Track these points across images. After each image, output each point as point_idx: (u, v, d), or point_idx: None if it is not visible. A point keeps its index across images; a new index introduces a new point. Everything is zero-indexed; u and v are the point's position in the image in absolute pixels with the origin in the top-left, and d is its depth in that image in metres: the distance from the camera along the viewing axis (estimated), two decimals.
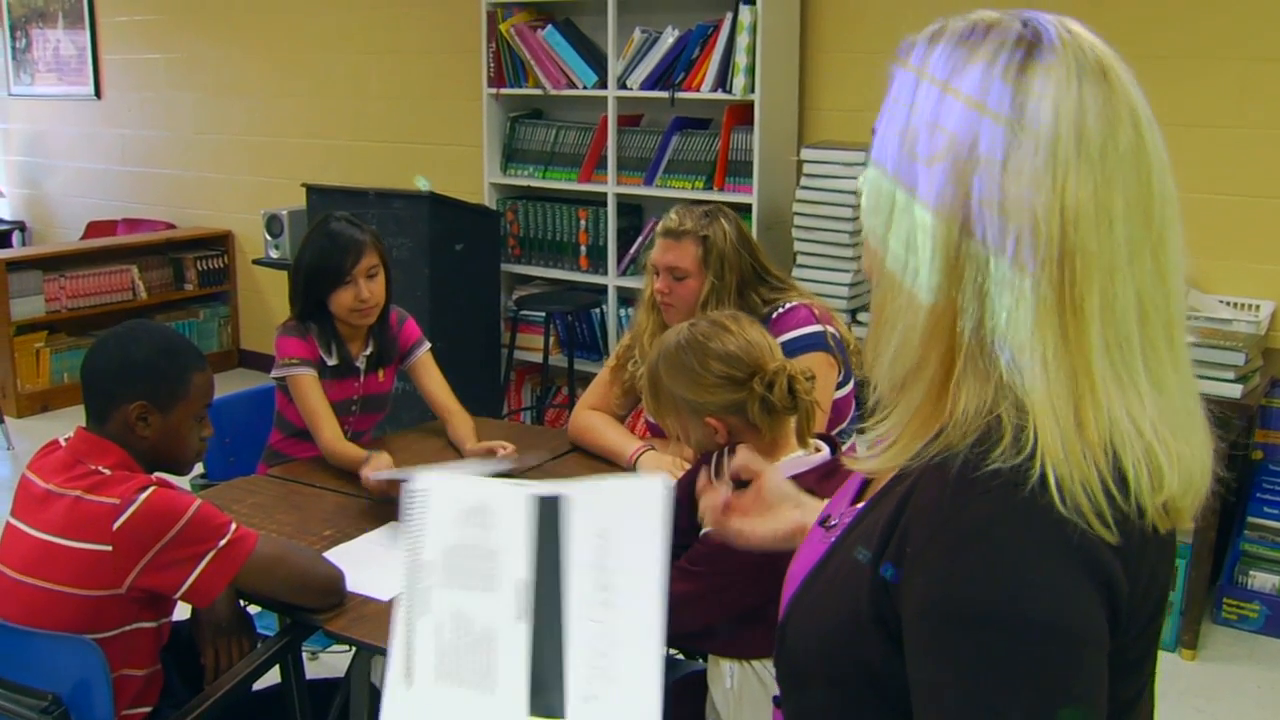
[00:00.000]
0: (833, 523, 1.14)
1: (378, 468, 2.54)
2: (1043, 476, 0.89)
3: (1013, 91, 0.93)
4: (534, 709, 1.25)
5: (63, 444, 2.07)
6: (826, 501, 1.45)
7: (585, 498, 1.34)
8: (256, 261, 6.00)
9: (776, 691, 1.85)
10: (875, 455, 1.04)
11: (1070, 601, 0.89)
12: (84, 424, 2.09)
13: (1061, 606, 0.89)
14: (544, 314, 4.95)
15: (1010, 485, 0.90)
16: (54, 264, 6.26)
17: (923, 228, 0.95)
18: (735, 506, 1.46)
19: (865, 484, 1.17)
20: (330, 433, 2.81)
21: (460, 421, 2.96)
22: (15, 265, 6.11)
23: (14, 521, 2.03)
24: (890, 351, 0.99)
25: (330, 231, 2.88)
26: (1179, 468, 0.94)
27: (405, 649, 1.27)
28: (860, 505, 1.09)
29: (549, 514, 1.34)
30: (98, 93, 7.30)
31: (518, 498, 1.34)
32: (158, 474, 2.07)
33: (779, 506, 1.45)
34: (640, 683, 1.28)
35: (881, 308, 1.01)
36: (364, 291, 2.85)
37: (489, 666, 1.26)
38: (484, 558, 1.31)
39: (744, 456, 1.92)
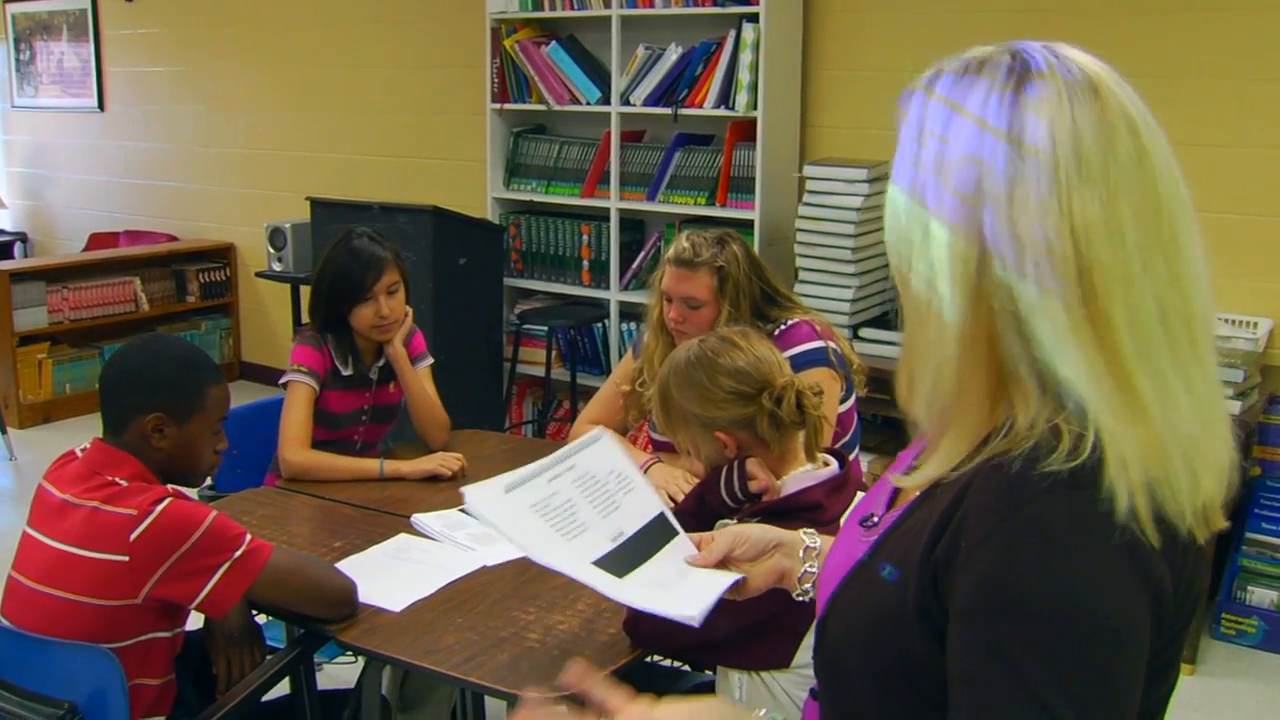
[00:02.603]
0: (873, 521, 1.18)
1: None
2: (1100, 480, 0.93)
3: (1008, 124, 0.96)
4: (599, 561, 1.37)
5: (79, 455, 2.10)
6: (805, 530, 1.50)
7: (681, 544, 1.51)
8: (260, 274, 6.02)
9: (788, 701, 1.88)
10: (920, 471, 1.07)
11: (1121, 601, 0.93)
12: (100, 435, 2.12)
13: (1113, 605, 0.92)
14: (546, 328, 4.97)
15: (1068, 486, 0.93)
16: (57, 275, 6.28)
17: (943, 268, 0.98)
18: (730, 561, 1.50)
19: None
20: (294, 447, 2.84)
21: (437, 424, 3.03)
22: (18, 276, 6.13)
23: (31, 531, 2.05)
24: (928, 385, 1.02)
25: (353, 249, 2.92)
26: (1213, 466, 0.98)
27: (518, 479, 1.40)
28: (904, 506, 1.12)
29: (664, 526, 1.51)
30: (101, 105, 7.34)
31: (652, 497, 1.54)
32: (172, 485, 2.10)
33: (762, 557, 1.48)
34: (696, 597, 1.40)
35: (913, 342, 1.04)
36: (384, 309, 2.89)
37: (575, 528, 1.39)
38: (607, 501, 1.47)
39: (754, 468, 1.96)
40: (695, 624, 1.40)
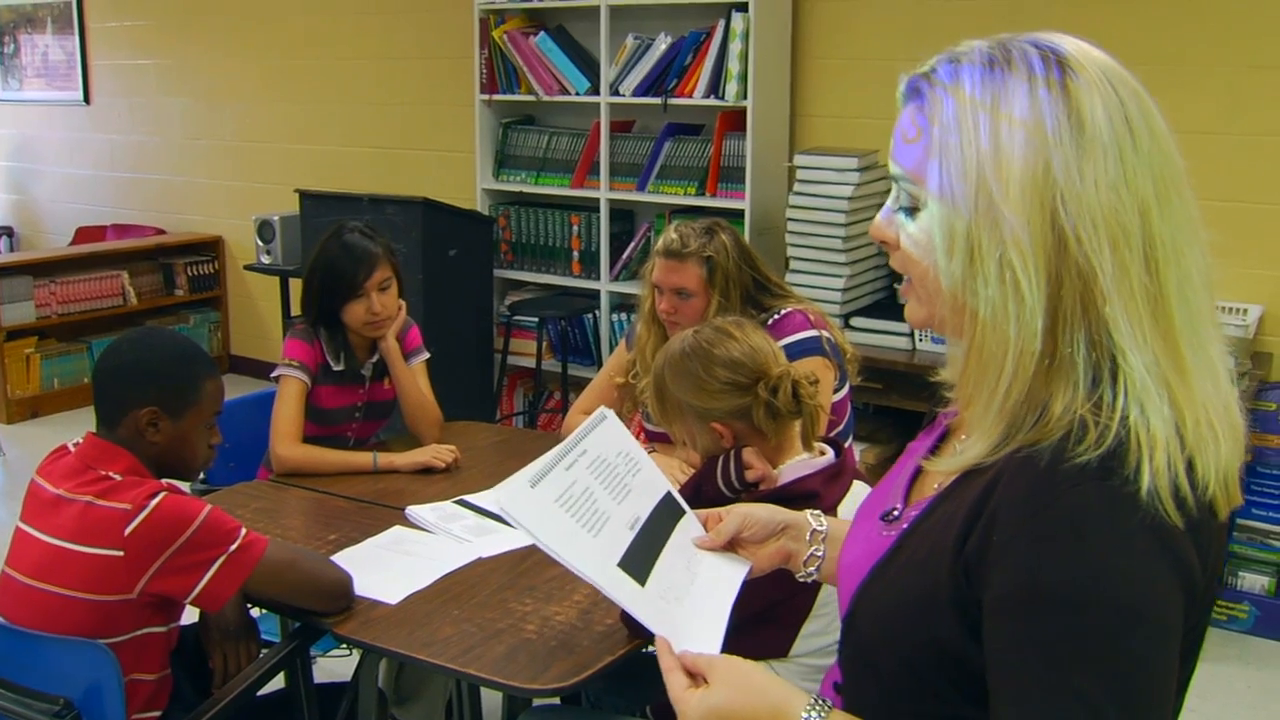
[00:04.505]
0: (895, 515, 1.18)
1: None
2: (1135, 469, 0.94)
3: (1065, 109, 0.98)
4: (622, 562, 1.37)
5: (72, 449, 2.08)
6: (810, 512, 1.50)
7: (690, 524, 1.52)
8: (248, 267, 6.00)
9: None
10: (957, 457, 1.08)
11: (1155, 589, 0.94)
12: (93, 429, 2.11)
13: (1147, 594, 0.94)
14: (537, 319, 4.97)
15: (1100, 477, 0.94)
16: (44, 269, 6.25)
17: (1018, 258, 0.98)
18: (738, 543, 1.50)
19: (915, 476, 1.21)
20: (285, 442, 2.83)
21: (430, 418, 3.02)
22: (5, 271, 6.10)
23: (24, 527, 2.04)
24: (1003, 385, 1.01)
25: (344, 243, 2.89)
26: (1233, 432, 1.00)
27: (540, 470, 1.40)
28: (931, 497, 1.12)
29: (672, 505, 1.53)
30: (86, 98, 7.29)
31: (657, 474, 1.55)
32: (166, 479, 2.09)
33: (769, 539, 1.49)
34: (710, 620, 1.39)
35: (979, 347, 1.03)
36: (376, 305, 2.87)
37: (599, 519, 1.40)
38: (620, 484, 1.48)
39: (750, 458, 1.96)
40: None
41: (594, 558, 1.37)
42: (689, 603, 1.41)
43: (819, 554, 1.47)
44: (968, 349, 1.05)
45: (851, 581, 1.18)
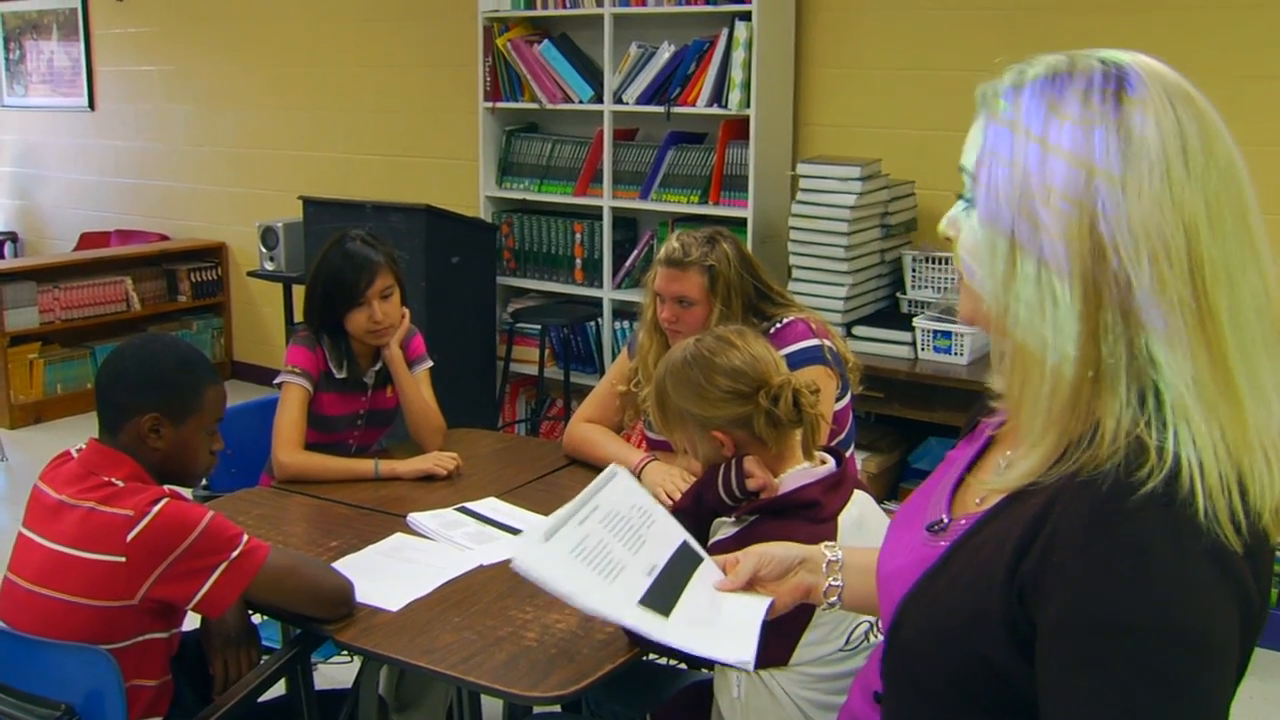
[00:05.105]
0: (942, 525, 1.18)
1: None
2: (1191, 491, 0.94)
3: (1116, 126, 0.99)
4: (643, 600, 1.40)
5: (74, 455, 2.09)
6: (825, 544, 1.51)
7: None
8: (251, 274, 6.01)
9: (787, 699, 1.88)
10: (1012, 474, 1.08)
11: (1216, 615, 0.94)
12: (95, 435, 2.11)
13: (1208, 620, 0.94)
14: (539, 327, 4.97)
15: (1162, 503, 0.94)
16: (48, 275, 6.26)
17: (1055, 267, 0.99)
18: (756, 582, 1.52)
19: (957, 486, 1.22)
20: (287, 449, 2.83)
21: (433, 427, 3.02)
22: (9, 276, 6.12)
23: (26, 532, 2.05)
24: (1047, 388, 1.02)
25: (346, 252, 2.90)
26: None
27: (554, 524, 1.43)
28: (982, 512, 1.13)
29: (689, 554, 1.56)
30: (91, 104, 7.32)
31: (673, 525, 1.59)
32: (168, 486, 2.09)
33: (787, 575, 1.51)
34: (741, 635, 1.43)
35: (1019, 353, 1.05)
36: (378, 313, 2.87)
37: (615, 568, 1.43)
38: (634, 536, 1.51)
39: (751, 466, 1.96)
40: (750, 669, 1.42)
41: (614, 600, 1.39)
42: (718, 626, 1.42)
43: (837, 584, 1.48)
44: (1011, 351, 1.07)
45: (896, 591, 1.18)
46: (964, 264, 1.10)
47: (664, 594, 1.44)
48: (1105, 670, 0.94)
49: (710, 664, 2.10)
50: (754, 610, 1.46)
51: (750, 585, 1.50)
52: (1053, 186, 1.00)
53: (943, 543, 1.15)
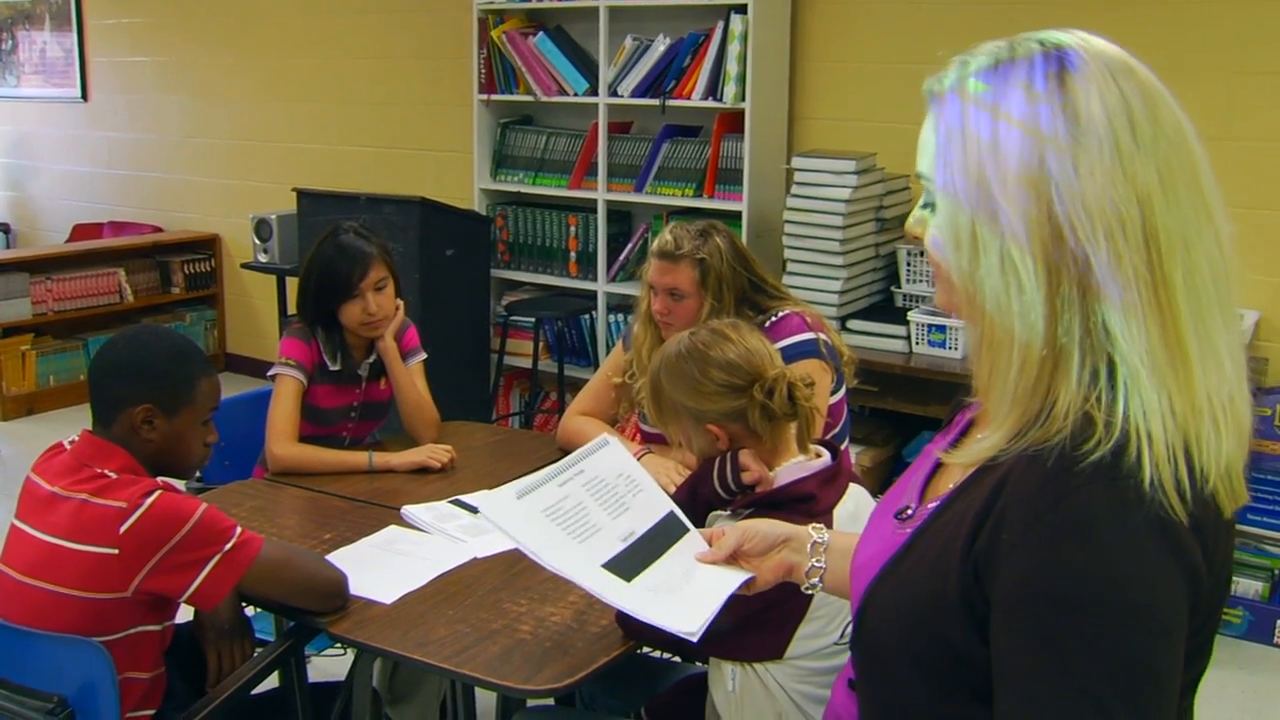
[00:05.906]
0: (909, 513, 1.18)
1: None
2: (1138, 462, 0.95)
3: (1060, 103, 0.99)
4: (608, 564, 1.41)
5: (67, 447, 2.08)
6: (813, 525, 1.51)
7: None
8: (245, 266, 6.00)
9: (781, 693, 1.88)
10: (972, 449, 1.09)
11: (1160, 588, 0.95)
12: (88, 426, 2.11)
13: (1153, 593, 0.95)
14: (533, 320, 4.97)
15: (1108, 477, 0.95)
16: (41, 266, 6.24)
17: (1017, 250, 1.00)
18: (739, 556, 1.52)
19: (931, 475, 1.22)
20: (281, 441, 2.83)
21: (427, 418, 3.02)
22: (2, 267, 6.10)
23: (18, 524, 2.04)
24: (1015, 368, 1.03)
25: (339, 244, 2.90)
26: (1236, 427, 1.01)
27: (529, 485, 1.44)
28: (944, 495, 1.13)
29: (674, 524, 1.56)
30: (84, 95, 7.29)
31: (661, 496, 1.60)
32: (161, 478, 2.09)
33: (771, 552, 1.51)
34: (697, 607, 1.44)
35: (989, 337, 1.05)
36: (372, 305, 2.87)
37: (586, 530, 1.44)
38: (617, 503, 1.52)
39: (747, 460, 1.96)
40: (693, 639, 1.41)
41: (577, 560, 1.39)
42: (679, 594, 1.42)
43: (820, 565, 1.48)
44: (980, 339, 1.08)
45: (863, 580, 1.19)
46: (933, 255, 1.12)
47: (634, 560, 1.44)
48: (1051, 645, 0.95)
49: (705, 658, 2.10)
50: (726, 583, 1.46)
51: (733, 560, 1.50)
52: (1008, 172, 1.00)
53: (908, 529, 1.16)
